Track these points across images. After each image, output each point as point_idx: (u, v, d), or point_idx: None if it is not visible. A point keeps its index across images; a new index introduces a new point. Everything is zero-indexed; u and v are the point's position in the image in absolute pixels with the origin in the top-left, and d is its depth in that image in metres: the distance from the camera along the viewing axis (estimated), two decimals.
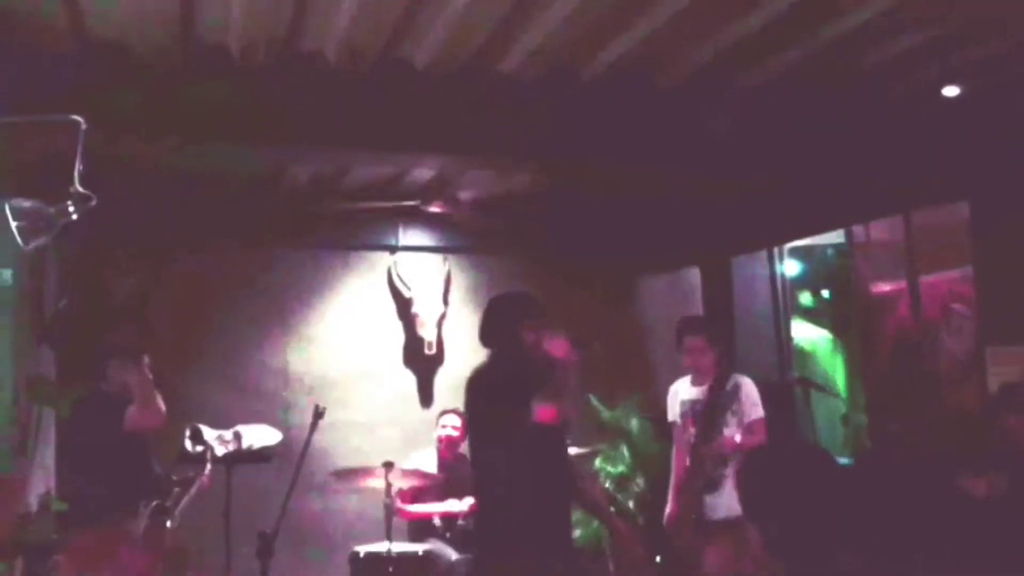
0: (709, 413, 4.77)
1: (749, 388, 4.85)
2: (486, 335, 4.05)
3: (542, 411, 3.74)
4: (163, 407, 4.61)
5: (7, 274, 4.69)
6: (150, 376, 4.76)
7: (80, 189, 3.45)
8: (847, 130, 5.26)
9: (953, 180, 5.37)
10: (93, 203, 3.47)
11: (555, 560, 3.86)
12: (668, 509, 5.07)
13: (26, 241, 3.46)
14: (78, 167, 3.46)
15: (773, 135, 5.21)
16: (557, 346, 3.80)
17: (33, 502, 4.98)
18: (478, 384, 3.96)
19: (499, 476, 3.83)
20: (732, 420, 4.75)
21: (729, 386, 4.79)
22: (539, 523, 3.82)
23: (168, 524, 4.83)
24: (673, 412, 5.11)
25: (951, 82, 4.62)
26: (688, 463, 4.88)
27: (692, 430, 4.89)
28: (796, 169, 5.64)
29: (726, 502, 4.53)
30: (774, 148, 5.29)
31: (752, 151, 5.23)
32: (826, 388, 5.82)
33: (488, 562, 4.00)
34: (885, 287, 6.69)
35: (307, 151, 4.94)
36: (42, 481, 5.06)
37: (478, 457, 4.01)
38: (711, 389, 4.80)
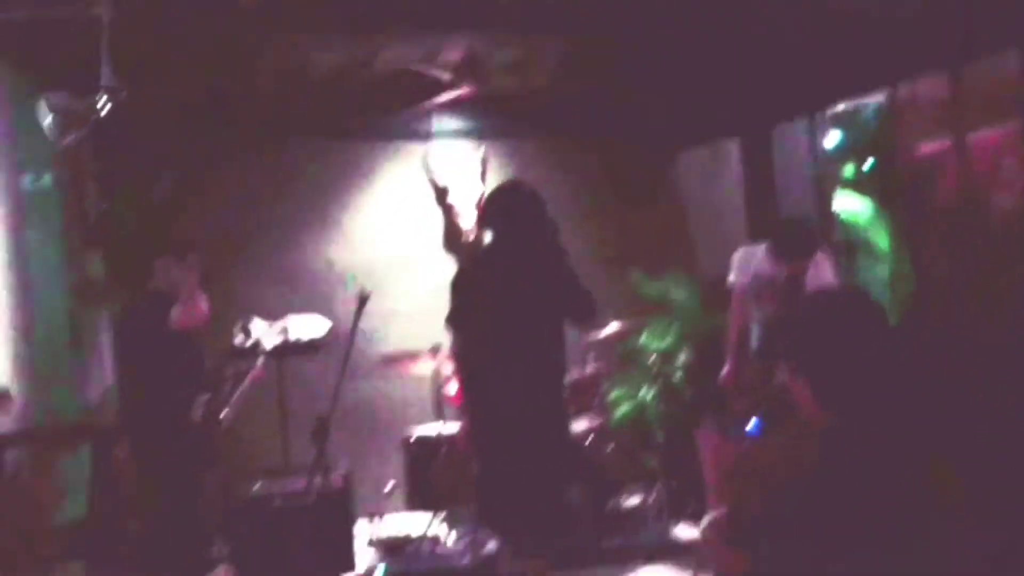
0: (792, 290, 4.72)
1: (823, 261, 4.84)
2: (494, 220, 3.97)
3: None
4: (205, 305, 4.68)
5: (47, 178, 4.74)
6: (198, 273, 4.85)
7: (110, 82, 3.46)
8: None
9: (1001, 27, 5.14)
10: (124, 95, 3.48)
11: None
12: (726, 369, 5.13)
13: (60, 137, 3.49)
14: (106, 59, 3.46)
15: None
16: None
17: (93, 400, 5.15)
18: (493, 266, 3.92)
19: (517, 363, 3.82)
20: None
21: (812, 264, 4.77)
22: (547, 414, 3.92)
23: (222, 416, 4.99)
24: (740, 277, 5.08)
25: None
26: (758, 331, 4.94)
27: (769, 304, 4.88)
28: (836, 24, 5.44)
29: None
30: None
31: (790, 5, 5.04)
32: (871, 250, 5.77)
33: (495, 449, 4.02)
34: (931, 147, 6.50)
35: (332, 36, 4.85)
36: (100, 381, 5.21)
37: (494, 344, 3.87)
38: (796, 271, 4.73)
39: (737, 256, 5.17)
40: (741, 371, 5.06)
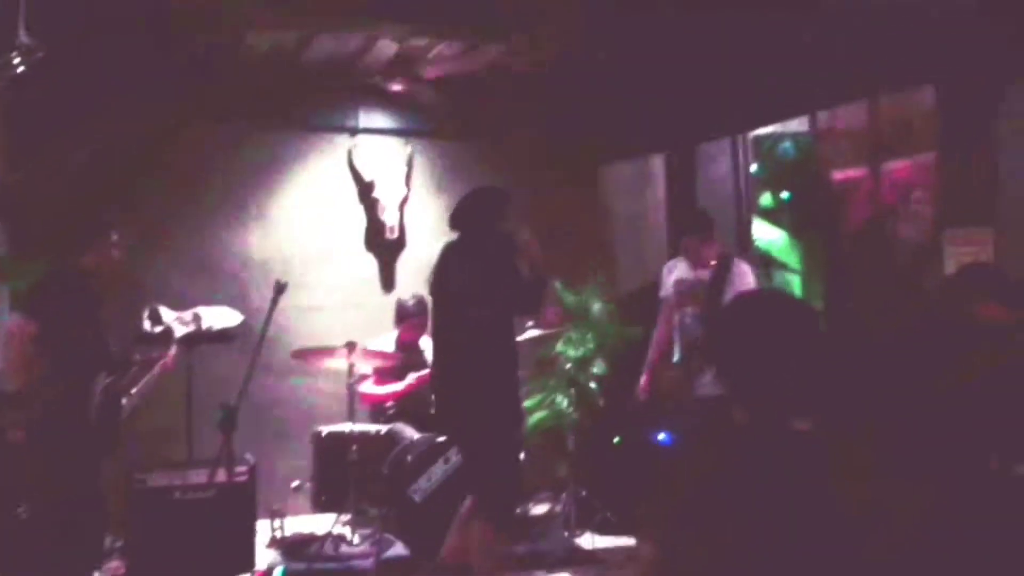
0: (713, 295, 4.86)
1: (746, 269, 5.00)
2: (460, 221, 4.36)
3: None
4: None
5: None
6: (117, 253, 4.69)
7: (26, 40, 3.32)
8: (812, 9, 5.20)
9: (920, 63, 5.33)
10: (41, 55, 3.34)
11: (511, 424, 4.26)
12: (643, 381, 5.21)
13: None
14: (23, 16, 3.32)
15: (735, 10, 5.13)
16: (529, 250, 4.21)
17: None
18: (455, 261, 4.31)
19: (470, 346, 4.18)
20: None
21: (730, 268, 4.91)
22: (497, 390, 4.17)
23: (124, 402, 4.80)
24: (666, 288, 5.21)
25: None
26: (679, 340, 5.06)
27: (690, 310, 5.01)
28: (760, 49, 5.58)
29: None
30: (735, 26, 5.23)
31: (713, 28, 5.16)
32: (786, 265, 5.92)
33: (455, 429, 4.40)
34: (848, 174, 6.70)
35: (267, 15, 4.75)
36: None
37: (451, 329, 4.26)
38: (715, 271, 4.89)
39: (664, 269, 5.34)
40: (658, 382, 5.16)
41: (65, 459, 4.38)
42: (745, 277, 4.99)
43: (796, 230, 7.41)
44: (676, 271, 5.23)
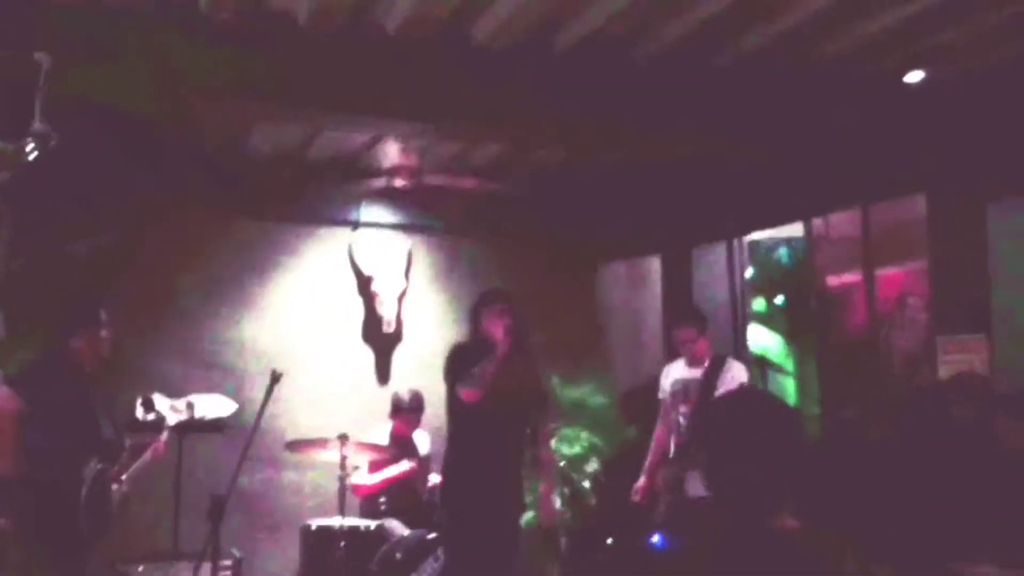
0: (705, 393, 4.91)
1: (738, 369, 5.09)
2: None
3: (463, 392, 4.34)
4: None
5: None
6: (106, 335, 4.71)
7: (40, 128, 3.40)
8: (809, 120, 5.35)
9: (911, 172, 5.46)
10: (54, 143, 3.42)
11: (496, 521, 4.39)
12: (641, 482, 5.21)
13: None
14: (39, 105, 3.41)
15: (736, 119, 5.28)
16: (495, 330, 4.30)
17: None
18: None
19: (450, 442, 4.49)
20: None
21: (723, 368, 4.96)
22: (477, 485, 4.37)
23: (114, 487, 4.74)
24: (664, 390, 5.26)
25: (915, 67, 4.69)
26: (674, 439, 5.11)
27: (683, 408, 5.05)
28: (758, 156, 5.72)
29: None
30: (736, 133, 5.38)
31: (716, 134, 5.30)
32: (782, 368, 5.95)
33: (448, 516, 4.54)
34: (842, 280, 6.78)
35: (273, 109, 4.88)
36: None
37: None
38: (707, 371, 4.96)
39: (663, 371, 5.45)
40: (655, 485, 5.16)
41: (52, 548, 4.31)
42: (738, 377, 5.02)
43: (790, 335, 7.47)
44: (673, 372, 5.30)
